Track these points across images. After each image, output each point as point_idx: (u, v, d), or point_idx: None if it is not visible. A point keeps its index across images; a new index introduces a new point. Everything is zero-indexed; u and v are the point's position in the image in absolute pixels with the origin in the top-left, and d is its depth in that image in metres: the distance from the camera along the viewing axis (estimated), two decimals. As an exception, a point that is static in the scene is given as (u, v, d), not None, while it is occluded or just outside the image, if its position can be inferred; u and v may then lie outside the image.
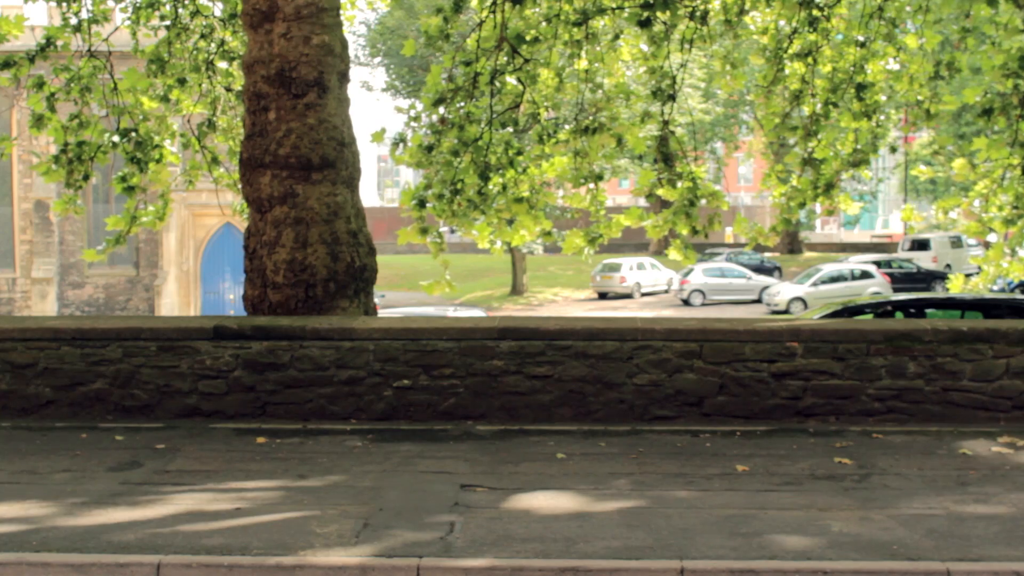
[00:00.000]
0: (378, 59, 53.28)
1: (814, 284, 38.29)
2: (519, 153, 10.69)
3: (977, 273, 11.79)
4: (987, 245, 7.64)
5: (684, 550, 4.96)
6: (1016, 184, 11.01)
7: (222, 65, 12.57)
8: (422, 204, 10.36)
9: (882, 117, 11.51)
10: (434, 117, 10.70)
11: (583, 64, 10.98)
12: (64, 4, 11.54)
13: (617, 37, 11.24)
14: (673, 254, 10.35)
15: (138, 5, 12.21)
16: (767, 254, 51.77)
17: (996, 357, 7.68)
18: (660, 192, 10.65)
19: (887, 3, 11.13)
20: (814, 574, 4.75)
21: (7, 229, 41.04)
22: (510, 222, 10.67)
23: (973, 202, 11.28)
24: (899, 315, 12.38)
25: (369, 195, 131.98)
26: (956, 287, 11.99)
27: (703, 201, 10.49)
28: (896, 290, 36.67)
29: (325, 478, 6.26)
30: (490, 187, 10.42)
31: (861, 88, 10.99)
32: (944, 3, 11.45)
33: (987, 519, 5.45)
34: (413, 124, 10.68)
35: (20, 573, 4.84)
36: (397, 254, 61.88)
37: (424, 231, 10.41)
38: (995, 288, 12.52)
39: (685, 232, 10.37)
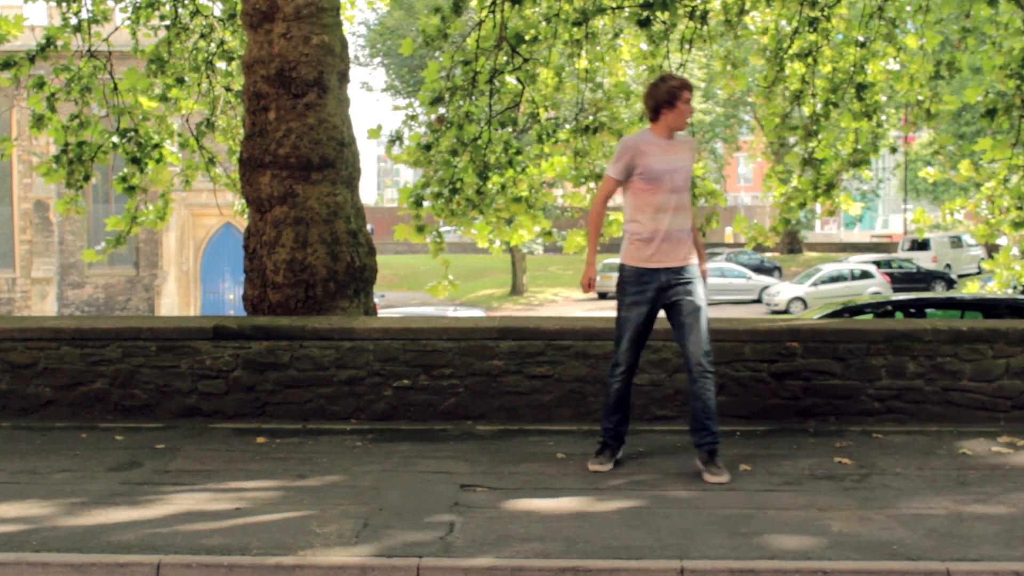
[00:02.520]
0: (378, 59, 53.33)
1: (814, 284, 38.31)
2: (518, 153, 10.69)
3: (978, 274, 11.86)
4: (988, 247, 7.63)
5: (684, 550, 4.96)
6: (1021, 185, 11.01)
7: (221, 65, 12.58)
8: (420, 202, 10.36)
9: (883, 117, 11.52)
10: (432, 116, 10.71)
11: (583, 64, 10.98)
12: (64, 4, 11.54)
13: (617, 36, 11.25)
14: None
15: (138, 5, 12.21)
16: (767, 254, 51.75)
17: (996, 357, 7.68)
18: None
19: (887, 3, 11.14)
20: (814, 574, 4.75)
21: (7, 229, 41.06)
22: (509, 222, 10.67)
23: (980, 203, 11.30)
24: (899, 315, 12.39)
25: (369, 195, 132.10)
26: (974, 290, 12.08)
27: (702, 200, 10.50)
28: (896, 290, 36.67)
29: (325, 478, 6.26)
30: (489, 186, 10.42)
31: (861, 88, 10.99)
32: (944, 3, 11.46)
33: (987, 519, 5.44)
34: (411, 123, 10.68)
35: (20, 573, 4.84)
36: (397, 254, 61.92)
37: (421, 229, 10.41)
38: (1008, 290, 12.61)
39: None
